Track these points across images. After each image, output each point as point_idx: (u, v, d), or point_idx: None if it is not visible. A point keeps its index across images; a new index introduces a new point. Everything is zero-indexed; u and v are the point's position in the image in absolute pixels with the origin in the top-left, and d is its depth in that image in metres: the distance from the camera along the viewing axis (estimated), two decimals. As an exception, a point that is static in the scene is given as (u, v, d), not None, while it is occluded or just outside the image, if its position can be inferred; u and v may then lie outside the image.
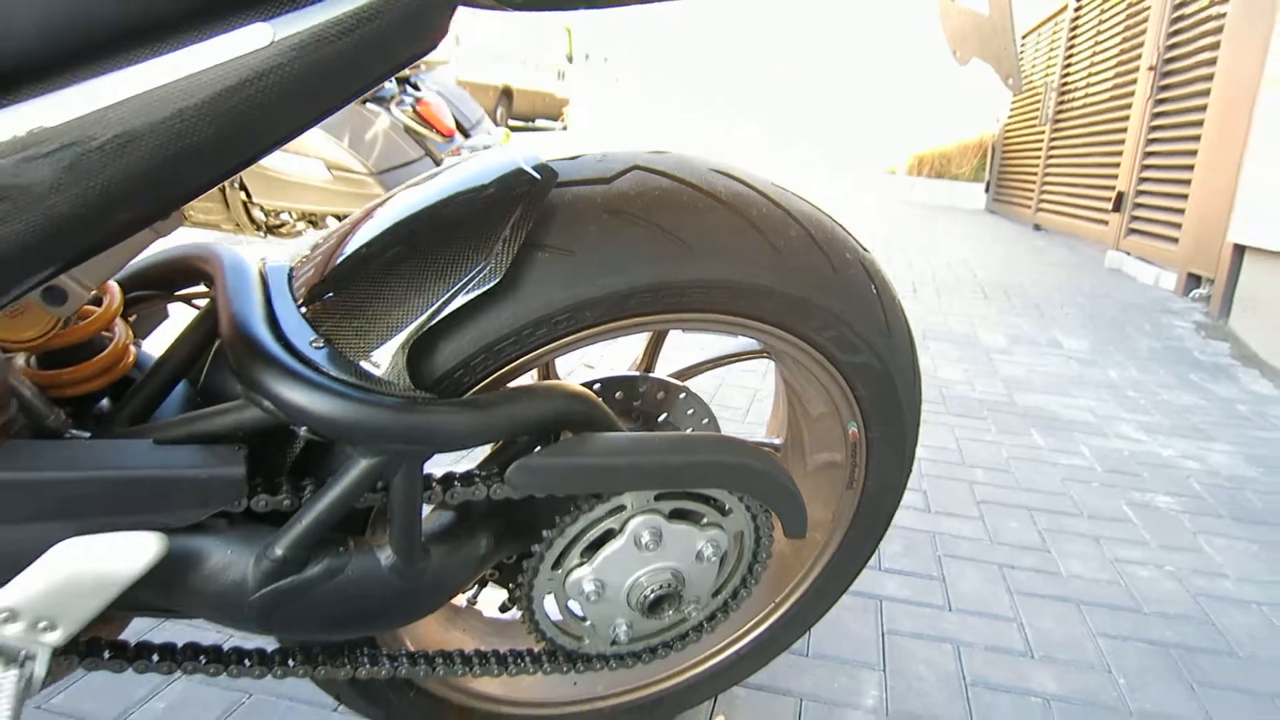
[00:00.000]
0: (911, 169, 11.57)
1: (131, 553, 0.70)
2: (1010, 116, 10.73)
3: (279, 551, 0.75)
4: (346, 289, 0.80)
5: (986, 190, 11.00)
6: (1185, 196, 5.28)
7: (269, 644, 0.87)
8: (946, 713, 1.36)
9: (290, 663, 0.87)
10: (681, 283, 0.85)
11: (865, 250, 1.00)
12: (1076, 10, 8.44)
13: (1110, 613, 1.69)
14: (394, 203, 0.87)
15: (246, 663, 0.85)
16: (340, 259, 0.83)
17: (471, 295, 0.77)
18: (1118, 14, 7.27)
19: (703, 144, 12.45)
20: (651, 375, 1.06)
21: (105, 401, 0.86)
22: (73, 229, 0.56)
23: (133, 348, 0.87)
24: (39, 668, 0.70)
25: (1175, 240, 5.39)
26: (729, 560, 1.02)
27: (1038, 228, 8.86)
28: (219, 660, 0.85)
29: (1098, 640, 1.60)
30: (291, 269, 0.86)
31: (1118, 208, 6.42)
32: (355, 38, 0.57)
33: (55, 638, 0.71)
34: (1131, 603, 1.73)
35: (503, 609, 1.07)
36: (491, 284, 0.77)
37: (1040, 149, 9.07)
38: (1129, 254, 6.15)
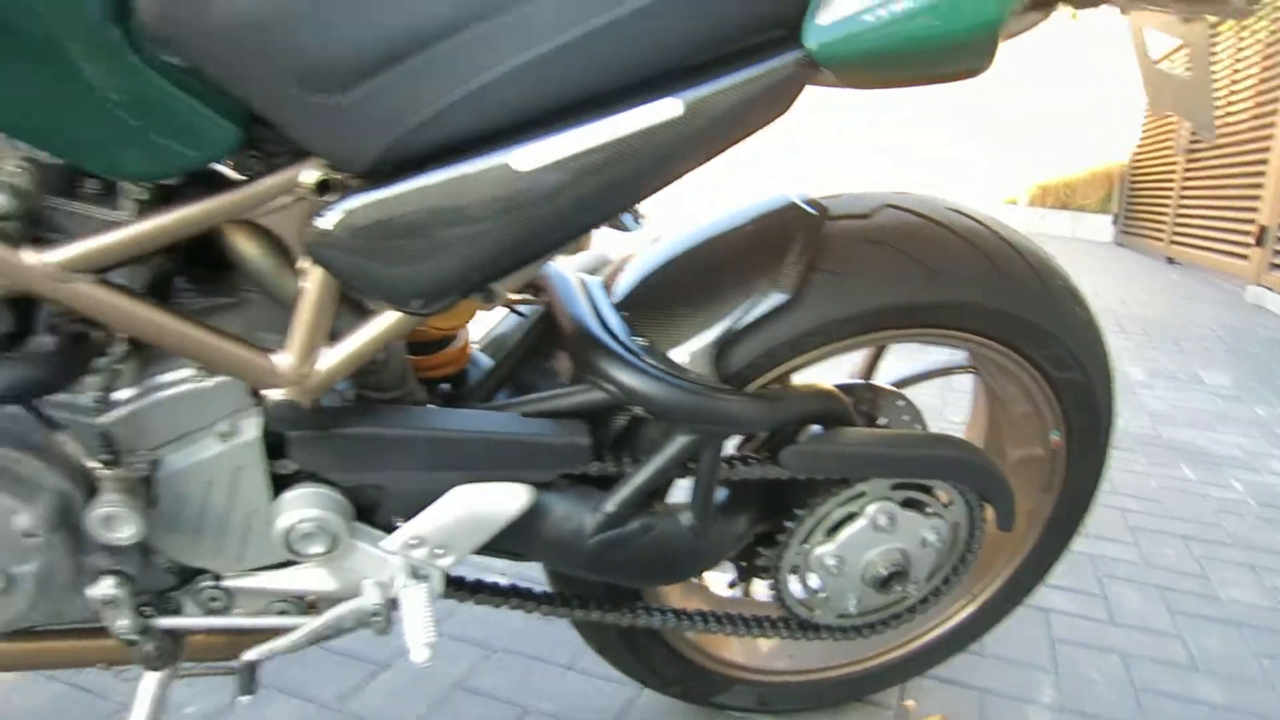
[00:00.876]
0: (1034, 199, 11.38)
1: (510, 499, 0.89)
2: (1140, 146, 10.50)
3: (610, 509, 0.93)
4: (660, 298, 0.99)
5: (1114, 222, 10.76)
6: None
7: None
8: (1118, 712, 1.46)
9: (585, 606, 1.05)
10: (930, 303, 1.01)
11: (1069, 277, 1.14)
12: (1212, 35, 8.25)
13: (1273, 636, 1.75)
14: (684, 229, 1.06)
15: (556, 604, 1.04)
16: (649, 275, 1.02)
17: (767, 308, 0.94)
18: (1257, 39, 7.09)
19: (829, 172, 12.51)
20: (874, 383, 1.21)
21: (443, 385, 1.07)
22: (541, 238, 0.76)
23: (471, 343, 1.07)
24: (436, 585, 0.90)
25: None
26: (945, 548, 1.16)
27: (1171, 261, 8.64)
28: (535, 599, 1.04)
29: (1261, 661, 1.66)
30: (603, 282, 1.05)
31: (1260, 242, 6.26)
32: (735, 110, 0.74)
33: (447, 562, 0.91)
34: (1295, 628, 1.79)
35: (731, 585, 1.24)
36: (782, 300, 0.94)
37: (1174, 179, 8.85)
38: (1272, 290, 5.99)
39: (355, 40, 0.67)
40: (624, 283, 1.04)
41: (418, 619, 0.85)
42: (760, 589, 1.23)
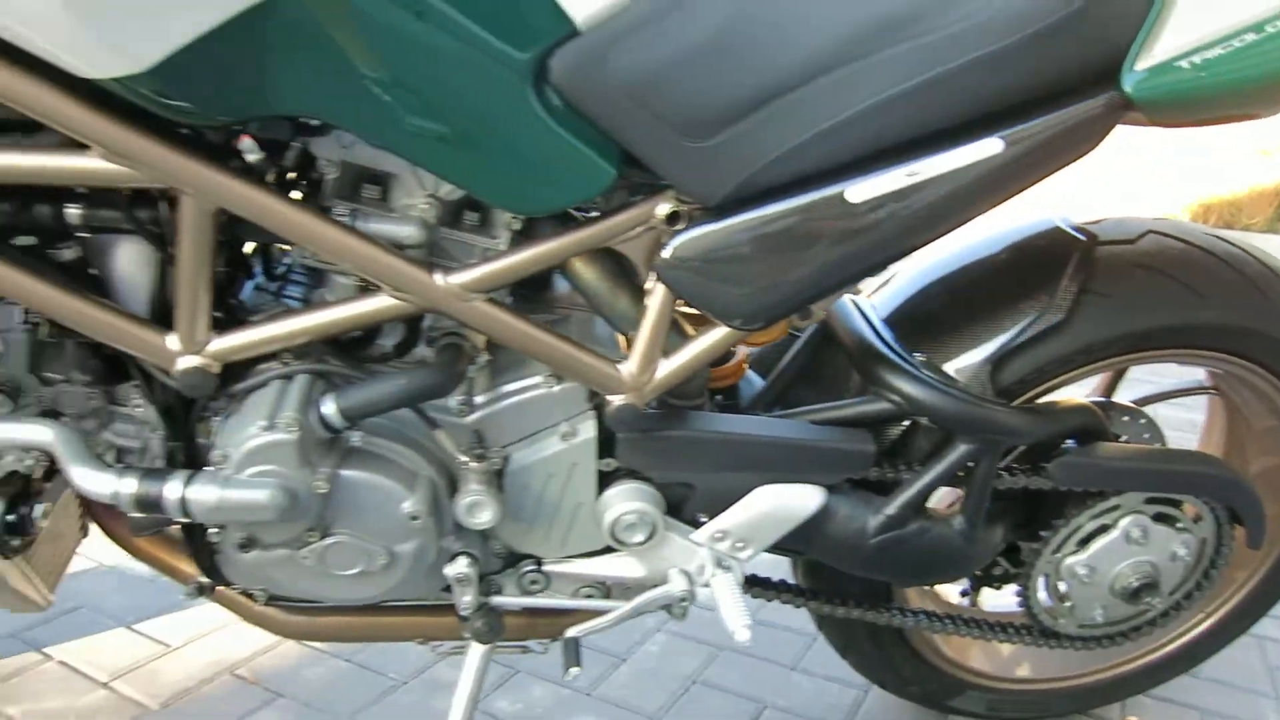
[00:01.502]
0: (1195, 217, 10.87)
1: (807, 499, 0.98)
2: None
3: (892, 511, 1.01)
4: (928, 316, 1.07)
5: None
6: None
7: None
8: (1354, 742, 1.44)
9: (853, 604, 1.13)
10: (1195, 325, 1.05)
11: None
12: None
13: None
14: (947, 250, 1.13)
15: (813, 600, 1.13)
16: (916, 293, 1.10)
17: (1042, 327, 1.01)
18: None
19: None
20: (1117, 401, 1.25)
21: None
22: (863, 263, 0.85)
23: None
24: (737, 575, 0.99)
25: None
26: (1192, 563, 1.19)
27: None
28: (796, 593, 1.13)
29: None
30: (871, 302, 1.13)
31: None
32: (1050, 147, 0.82)
33: (746, 555, 1.00)
34: None
35: (963, 594, 1.29)
36: (1056, 320, 1.01)
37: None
38: None
39: (726, 94, 0.78)
40: (890, 300, 1.12)
41: (732, 604, 0.94)
42: (987, 598, 1.28)
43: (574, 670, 1.01)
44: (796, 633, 1.59)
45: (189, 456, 0.93)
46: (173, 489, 0.83)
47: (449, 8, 0.71)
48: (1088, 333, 1.03)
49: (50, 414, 0.92)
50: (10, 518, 0.93)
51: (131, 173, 0.75)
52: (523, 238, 0.88)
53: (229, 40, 0.68)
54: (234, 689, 1.38)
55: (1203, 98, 0.78)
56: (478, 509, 0.91)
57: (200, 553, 0.98)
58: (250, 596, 1.04)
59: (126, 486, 0.83)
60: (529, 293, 0.99)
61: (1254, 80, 0.77)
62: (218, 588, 1.05)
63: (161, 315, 0.87)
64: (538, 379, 0.93)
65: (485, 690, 1.39)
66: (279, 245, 0.96)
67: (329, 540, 0.90)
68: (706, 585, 0.99)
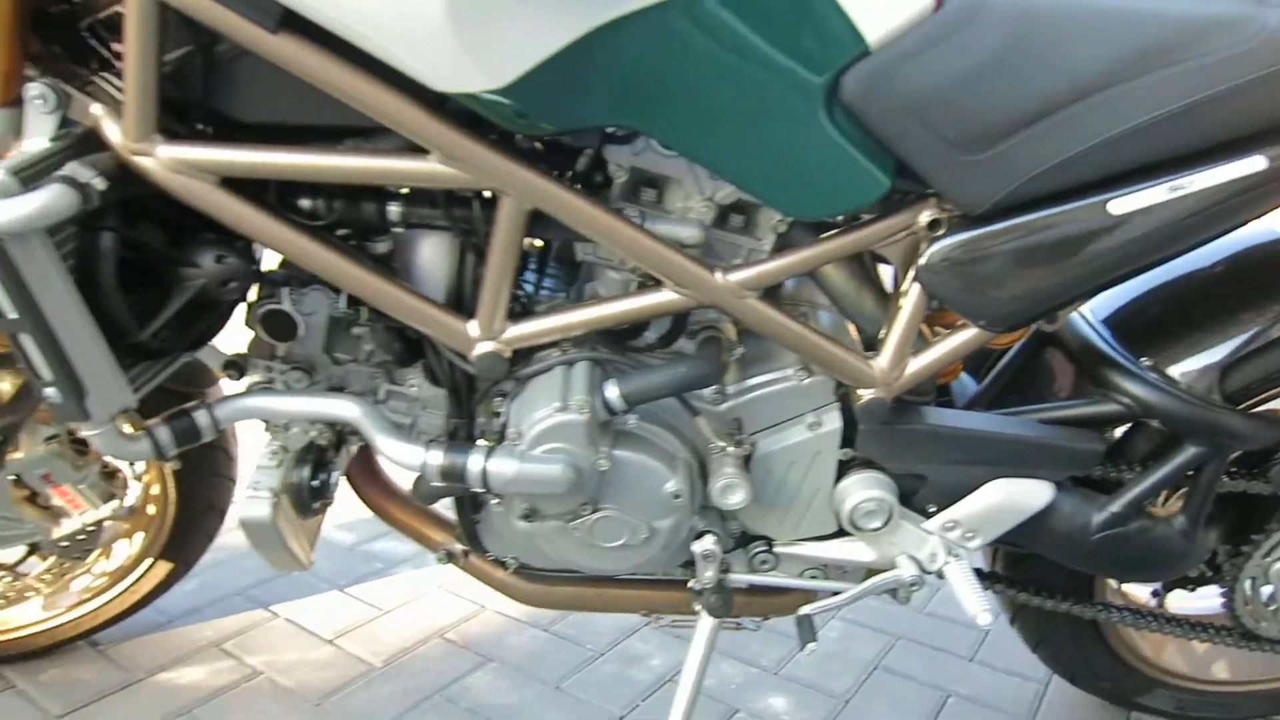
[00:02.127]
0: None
1: (1037, 494, 1.02)
2: None
3: (1116, 509, 1.05)
4: (1155, 323, 1.10)
5: None
6: None
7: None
8: None
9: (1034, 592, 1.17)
10: None
11: None
12: None
13: None
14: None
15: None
16: (1136, 299, 1.13)
17: (1274, 336, 1.03)
18: None
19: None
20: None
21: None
22: (1114, 271, 0.89)
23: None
24: (968, 563, 1.04)
25: None
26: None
27: None
28: (1007, 583, 1.17)
29: None
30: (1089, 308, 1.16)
31: None
32: None
33: (975, 544, 1.05)
34: None
35: (1154, 594, 1.32)
36: (1288, 328, 1.03)
37: None
38: None
39: (1001, 111, 0.83)
40: (1107, 306, 1.15)
41: (970, 590, 1.00)
42: (1176, 600, 1.31)
43: (811, 645, 1.07)
44: (969, 626, 1.62)
45: (468, 434, 1.03)
46: (475, 461, 0.92)
47: (761, 41, 0.78)
48: (1318, 341, 1.05)
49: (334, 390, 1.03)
50: (314, 483, 1.04)
51: (462, 175, 0.84)
52: (784, 240, 0.95)
53: (571, 59, 0.76)
54: (446, 651, 1.49)
55: None
56: (731, 491, 0.98)
57: (466, 522, 1.08)
58: (502, 565, 1.14)
59: (434, 458, 0.93)
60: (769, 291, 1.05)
61: None
62: (467, 555, 1.15)
63: (456, 304, 0.97)
64: (788, 371, 1.00)
65: (677, 666, 1.47)
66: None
67: (599, 514, 0.99)
68: (934, 572, 1.05)
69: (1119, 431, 1.10)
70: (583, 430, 0.91)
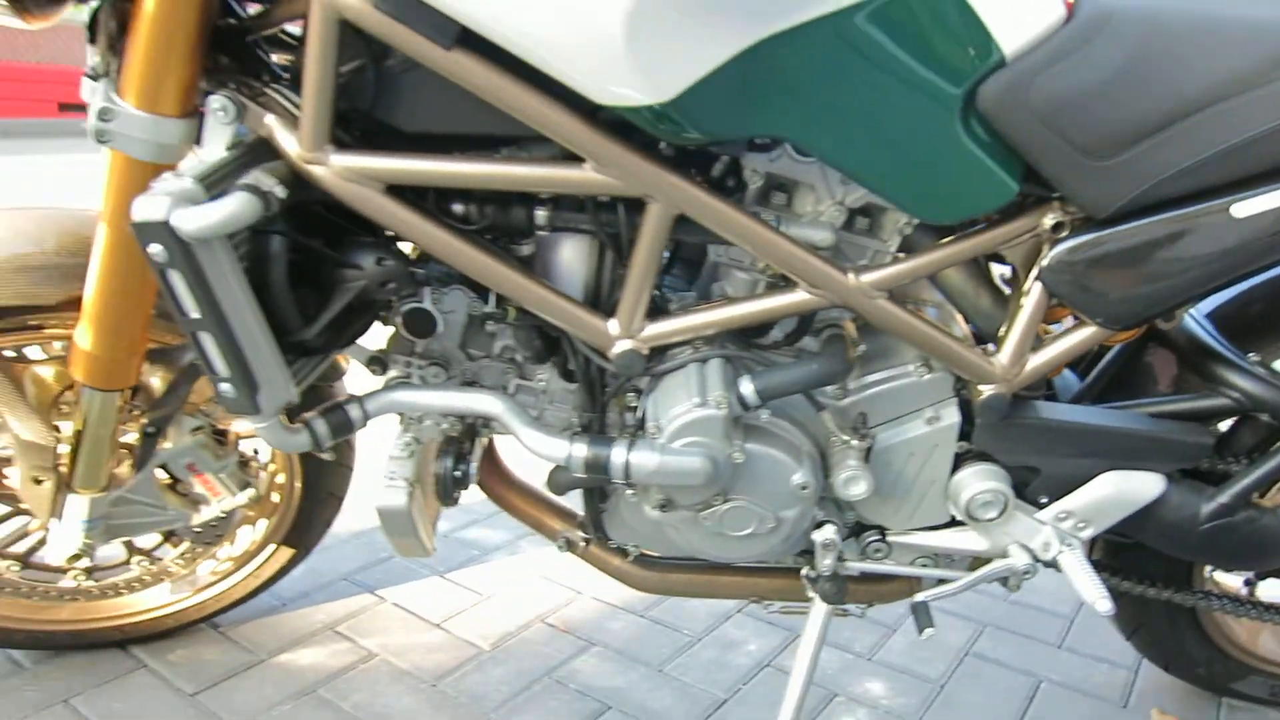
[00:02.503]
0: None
1: (1149, 486, 1.06)
2: None
3: (1225, 500, 1.08)
4: (1259, 319, 1.12)
5: None
6: None
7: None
8: None
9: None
10: None
11: None
12: None
13: None
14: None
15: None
16: (1240, 298, 1.16)
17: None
18: None
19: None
20: None
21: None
22: (1232, 273, 0.92)
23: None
24: (1082, 553, 1.08)
25: None
26: None
27: None
28: (1110, 572, 1.21)
29: None
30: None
31: None
32: None
33: (1087, 534, 1.09)
34: None
35: (1246, 583, 1.34)
36: (1398, 324, 1.05)
37: None
38: None
39: (1131, 119, 0.86)
40: (1211, 301, 1.17)
41: (1087, 578, 1.03)
42: (1266, 588, 1.33)
43: (929, 630, 1.11)
44: (1053, 614, 1.66)
45: (600, 426, 1.08)
46: (619, 454, 0.97)
47: (907, 55, 0.82)
48: None
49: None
50: (456, 474, 1.10)
51: (615, 183, 0.89)
52: (909, 242, 0.99)
53: (728, 74, 0.81)
54: (549, 636, 1.55)
55: None
56: (854, 482, 1.02)
57: (593, 512, 1.14)
58: (622, 553, 1.19)
59: (579, 451, 0.98)
60: None
61: None
62: (587, 544, 1.21)
63: (593, 303, 1.02)
64: (909, 368, 1.04)
65: (774, 652, 1.52)
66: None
67: (729, 504, 1.03)
68: (1048, 561, 1.09)
69: (1225, 425, 1.13)
70: (720, 425, 0.96)
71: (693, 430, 0.96)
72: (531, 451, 1.01)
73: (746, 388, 0.98)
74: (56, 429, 1.13)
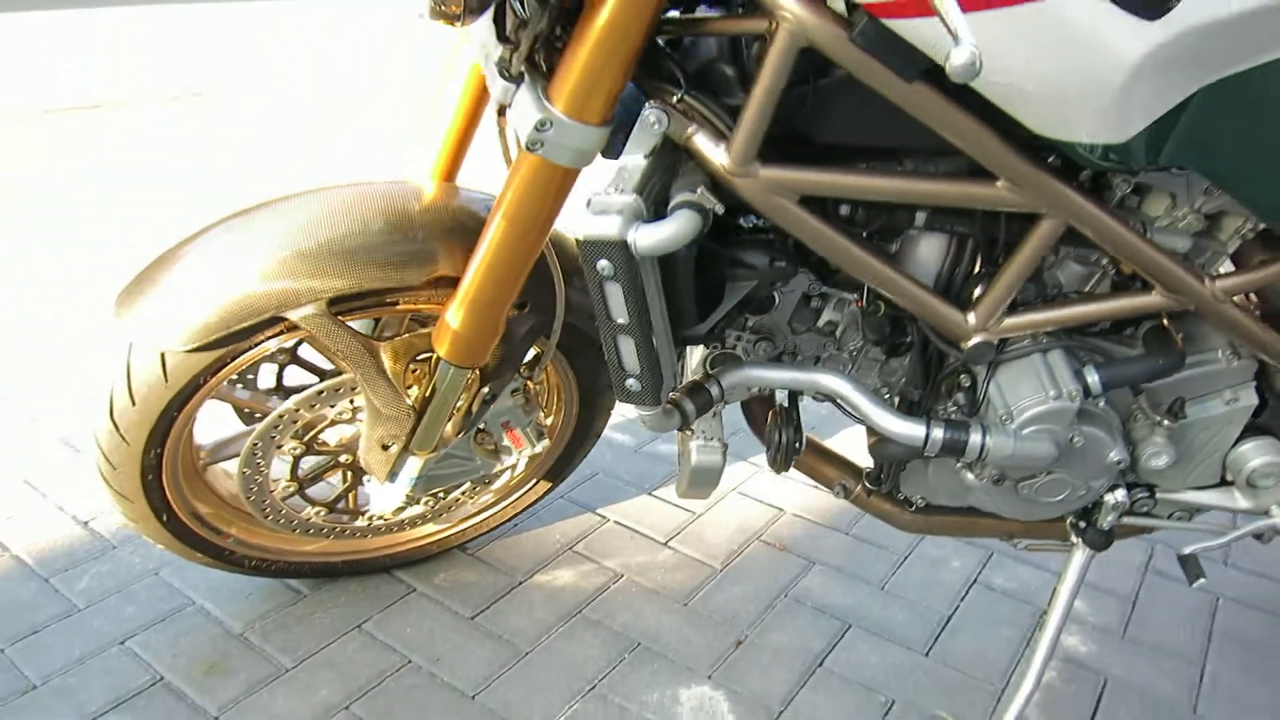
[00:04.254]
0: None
1: None
2: None
3: None
4: None
5: None
6: None
7: None
8: None
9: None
10: None
11: None
12: None
13: None
14: None
15: None
16: None
17: None
18: None
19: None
20: None
21: None
22: None
23: None
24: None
25: None
26: None
27: None
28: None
29: None
30: None
31: None
32: None
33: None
34: None
35: None
36: None
37: None
38: None
39: None
40: None
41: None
42: None
43: (1201, 580, 1.25)
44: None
45: (926, 404, 1.17)
46: (975, 439, 1.07)
47: None
48: None
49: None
50: (796, 444, 1.19)
51: (1024, 200, 0.94)
52: (1245, 247, 1.06)
53: (1172, 115, 0.86)
54: (771, 555, 1.69)
55: None
56: (1159, 457, 1.13)
57: (891, 470, 1.25)
58: (908, 504, 1.31)
59: (936, 433, 1.07)
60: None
61: None
62: (868, 493, 1.32)
63: (944, 294, 1.09)
64: (1218, 354, 1.12)
65: (977, 567, 1.67)
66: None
67: (1050, 477, 1.14)
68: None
69: None
70: (1071, 415, 1.05)
71: (1045, 419, 1.06)
72: (883, 431, 1.10)
73: (1093, 378, 1.07)
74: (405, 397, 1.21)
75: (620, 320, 0.96)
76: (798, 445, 1.21)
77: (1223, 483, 1.24)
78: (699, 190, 0.92)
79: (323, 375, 1.29)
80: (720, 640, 1.48)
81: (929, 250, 1.07)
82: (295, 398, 1.21)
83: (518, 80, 0.94)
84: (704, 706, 1.35)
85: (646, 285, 0.95)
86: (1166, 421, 1.13)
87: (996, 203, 0.96)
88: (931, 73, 0.84)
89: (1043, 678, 1.26)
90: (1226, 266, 1.10)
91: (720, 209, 0.93)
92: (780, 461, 1.21)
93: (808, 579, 1.63)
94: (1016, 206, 0.96)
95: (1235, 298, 1.03)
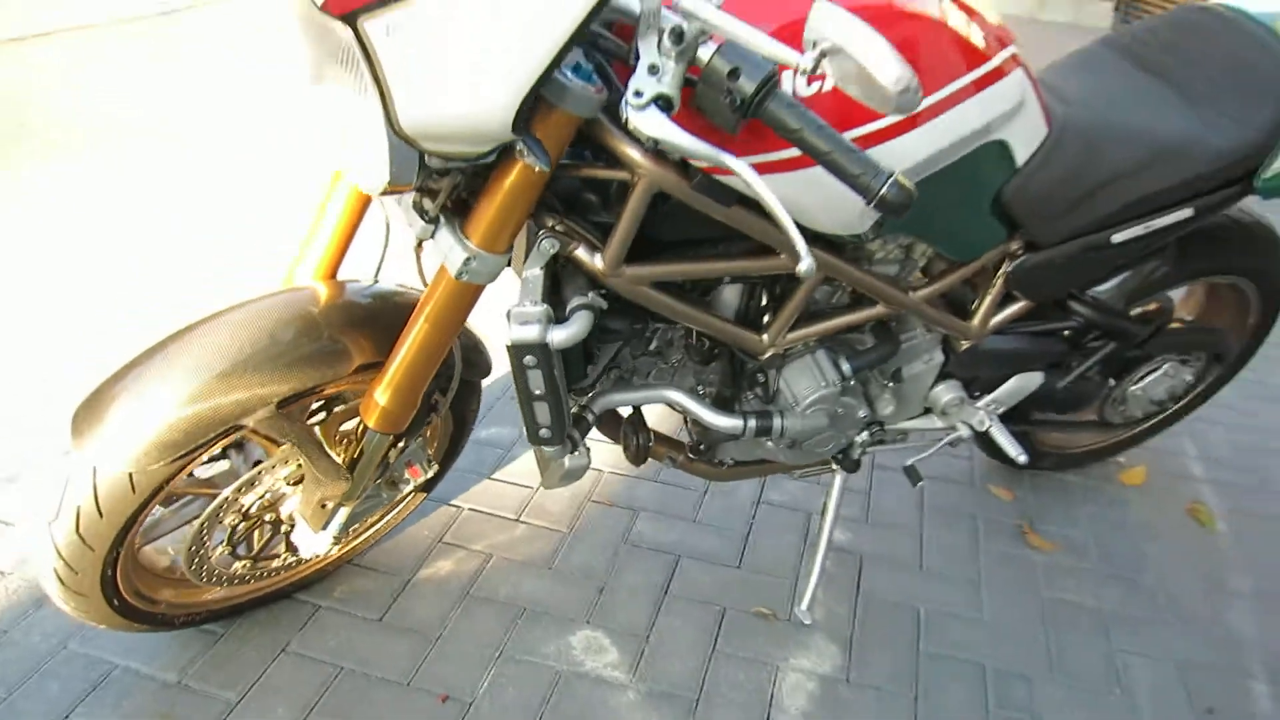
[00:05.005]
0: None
1: (1036, 378, 1.76)
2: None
3: (1068, 381, 1.82)
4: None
5: (1116, 9, 11.35)
6: None
7: None
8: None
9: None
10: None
11: None
12: None
13: None
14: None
15: None
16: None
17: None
18: None
19: None
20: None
21: None
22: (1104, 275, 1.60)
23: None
24: (1000, 424, 1.78)
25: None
26: None
27: None
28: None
29: None
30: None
31: None
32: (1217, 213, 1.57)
33: (999, 412, 1.79)
34: None
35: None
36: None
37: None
38: None
39: (1075, 191, 1.47)
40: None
41: (1007, 439, 1.74)
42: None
43: (921, 483, 1.78)
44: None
45: (736, 401, 1.59)
46: (777, 422, 1.50)
47: (975, 184, 1.35)
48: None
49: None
50: (648, 444, 1.56)
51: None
52: (930, 264, 1.55)
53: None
54: (603, 511, 2.07)
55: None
56: (888, 406, 1.64)
57: (708, 442, 1.67)
58: (721, 464, 1.73)
59: (750, 423, 1.49)
60: None
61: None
62: (690, 460, 1.73)
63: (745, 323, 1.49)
64: (917, 333, 1.63)
65: (758, 490, 2.16)
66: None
67: (823, 434, 1.61)
68: (983, 431, 1.78)
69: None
70: (837, 395, 1.51)
71: (821, 402, 1.51)
72: (711, 425, 1.51)
73: (846, 367, 1.53)
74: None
75: (538, 392, 1.27)
76: (650, 446, 1.58)
77: (925, 413, 1.78)
78: (590, 295, 1.24)
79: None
80: (587, 591, 1.86)
81: (732, 295, 1.47)
82: (238, 482, 1.40)
83: (434, 221, 1.19)
84: (591, 645, 1.74)
85: (555, 364, 1.26)
86: (891, 383, 1.63)
87: (781, 268, 1.36)
88: (743, 200, 1.21)
89: (825, 566, 1.77)
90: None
91: (604, 304, 1.26)
92: (638, 456, 1.58)
93: (638, 525, 2.04)
94: (784, 267, 1.37)
95: (927, 300, 1.53)
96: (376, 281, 1.47)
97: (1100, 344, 1.83)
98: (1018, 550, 2.09)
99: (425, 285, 1.29)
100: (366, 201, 1.42)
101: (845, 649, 1.78)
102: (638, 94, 0.96)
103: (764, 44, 0.94)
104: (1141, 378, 2.02)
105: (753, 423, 1.50)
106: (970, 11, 1.28)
